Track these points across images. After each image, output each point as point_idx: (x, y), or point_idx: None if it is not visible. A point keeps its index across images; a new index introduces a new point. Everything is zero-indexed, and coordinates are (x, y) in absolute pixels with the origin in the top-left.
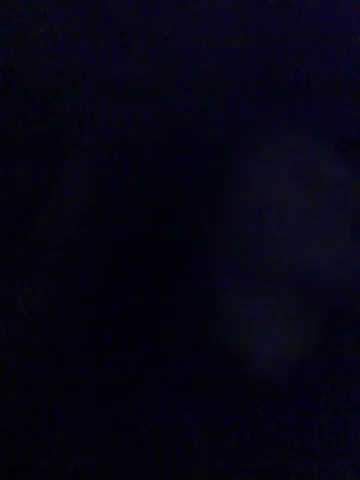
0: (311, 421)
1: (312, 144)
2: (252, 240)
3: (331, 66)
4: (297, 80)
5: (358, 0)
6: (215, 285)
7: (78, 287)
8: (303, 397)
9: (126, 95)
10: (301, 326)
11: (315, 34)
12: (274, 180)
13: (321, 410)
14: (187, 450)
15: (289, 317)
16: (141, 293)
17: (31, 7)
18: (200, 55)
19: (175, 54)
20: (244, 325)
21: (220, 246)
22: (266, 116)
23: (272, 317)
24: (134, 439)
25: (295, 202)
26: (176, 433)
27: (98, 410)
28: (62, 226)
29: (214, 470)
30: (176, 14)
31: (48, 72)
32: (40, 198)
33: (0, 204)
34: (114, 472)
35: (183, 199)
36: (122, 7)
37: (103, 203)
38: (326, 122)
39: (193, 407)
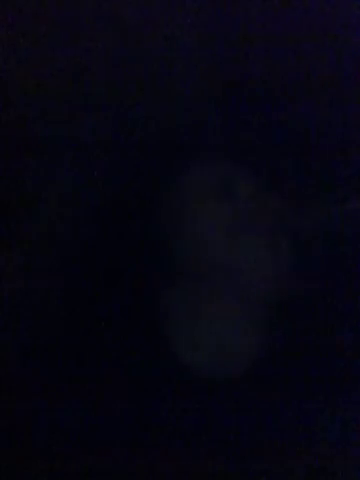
0: (311, 421)
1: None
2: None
3: (331, 66)
4: (297, 80)
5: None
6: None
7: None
8: (303, 397)
9: (126, 95)
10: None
11: (315, 34)
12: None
13: (321, 410)
14: (187, 450)
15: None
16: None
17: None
18: (199, 55)
19: (174, 54)
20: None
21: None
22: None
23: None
24: (134, 439)
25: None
26: (176, 433)
27: (98, 410)
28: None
29: (214, 470)
30: (175, 14)
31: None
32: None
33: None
34: (114, 472)
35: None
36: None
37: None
38: (326, 122)
39: (193, 407)
